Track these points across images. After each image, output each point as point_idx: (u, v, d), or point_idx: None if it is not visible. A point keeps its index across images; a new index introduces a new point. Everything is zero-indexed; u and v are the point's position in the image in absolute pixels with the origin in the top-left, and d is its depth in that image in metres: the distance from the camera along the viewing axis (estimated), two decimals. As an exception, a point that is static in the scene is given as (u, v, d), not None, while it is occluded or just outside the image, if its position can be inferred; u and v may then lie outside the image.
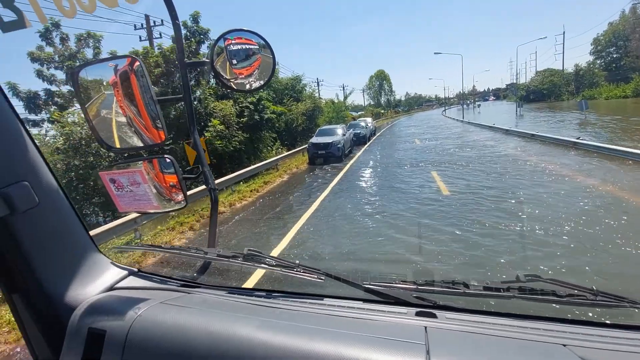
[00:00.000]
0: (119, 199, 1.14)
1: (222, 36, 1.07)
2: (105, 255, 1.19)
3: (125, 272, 1.17)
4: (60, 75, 11.94)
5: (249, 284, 3.89)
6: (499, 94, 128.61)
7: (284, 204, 8.34)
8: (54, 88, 11.82)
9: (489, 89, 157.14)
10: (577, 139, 11.66)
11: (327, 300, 0.99)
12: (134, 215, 5.64)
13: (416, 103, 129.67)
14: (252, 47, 1.08)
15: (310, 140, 15.19)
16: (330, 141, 14.42)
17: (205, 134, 12.03)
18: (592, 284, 0.87)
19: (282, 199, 8.83)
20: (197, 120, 12.85)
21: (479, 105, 67.55)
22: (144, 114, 1.00)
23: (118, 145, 1.06)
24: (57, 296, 0.99)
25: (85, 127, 9.52)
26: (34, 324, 1.01)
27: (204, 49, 14.44)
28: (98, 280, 1.09)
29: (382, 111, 68.04)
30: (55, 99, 11.81)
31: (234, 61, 1.08)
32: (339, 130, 15.85)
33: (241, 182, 11.10)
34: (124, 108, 1.01)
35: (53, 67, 12.34)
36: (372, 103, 76.05)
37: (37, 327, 1.01)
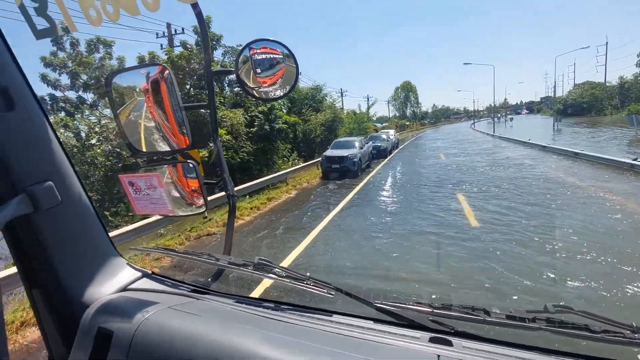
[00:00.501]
0: (137, 201, 1.21)
1: (248, 45, 1.08)
2: (122, 256, 1.22)
3: (139, 274, 1.20)
4: (65, 80, 11.62)
5: (258, 292, 3.88)
6: (532, 108, 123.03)
7: (283, 226, 7.25)
8: (58, 93, 11.49)
9: (521, 102, 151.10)
10: (635, 160, 9.87)
11: (335, 317, 0.95)
12: (156, 217, 5.68)
13: (443, 115, 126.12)
14: (276, 56, 1.09)
15: (324, 153, 14.12)
16: (346, 154, 13.29)
17: (210, 144, 11.24)
18: None
19: (283, 221, 7.74)
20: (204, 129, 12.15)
21: (511, 119, 64.27)
22: (171, 119, 1.03)
23: (145, 149, 1.11)
24: (73, 294, 1.03)
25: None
26: (50, 321, 1.04)
27: (217, 55, 13.82)
28: (113, 280, 1.12)
29: (408, 123, 66.20)
30: (60, 104, 11.45)
31: (258, 70, 1.08)
32: (356, 142, 14.68)
33: (246, 197, 10.16)
34: (153, 114, 1.06)
35: (65, 72, 12.07)
36: (397, 115, 74.39)
37: (53, 323, 1.04)
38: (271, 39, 1.08)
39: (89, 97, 12.15)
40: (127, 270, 1.18)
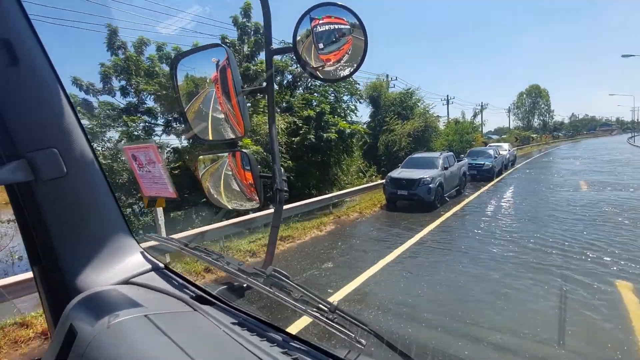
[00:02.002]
0: (142, 179, 1.18)
1: (308, 13, 0.91)
2: (137, 241, 1.15)
3: (148, 267, 1.12)
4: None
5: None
6: None
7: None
8: (91, 98, 10.84)
9: None
10: None
11: None
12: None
13: (586, 127, 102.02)
14: (342, 26, 0.91)
15: (389, 174, 10.32)
16: (419, 177, 9.29)
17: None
18: None
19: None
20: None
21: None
22: (234, 104, 0.97)
23: (207, 137, 1.06)
24: (69, 277, 0.97)
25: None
26: (46, 301, 1.00)
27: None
28: (117, 269, 1.05)
29: (534, 136, 54.25)
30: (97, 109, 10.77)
31: (321, 45, 0.93)
32: (439, 160, 10.38)
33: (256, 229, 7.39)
34: (216, 99, 1.01)
35: (123, 77, 11.51)
36: (520, 125, 62.13)
37: (48, 305, 1.00)
38: (337, 2, 0.89)
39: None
40: (137, 259, 1.11)
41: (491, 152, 15.99)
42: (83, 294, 0.92)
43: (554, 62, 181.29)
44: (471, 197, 10.98)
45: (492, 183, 14.02)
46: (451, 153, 11.56)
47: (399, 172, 10.17)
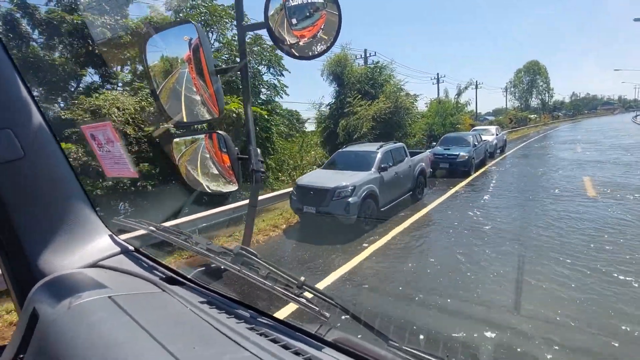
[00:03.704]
0: (103, 159, 1.17)
1: None
2: (105, 224, 1.14)
3: (117, 249, 1.10)
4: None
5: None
6: None
7: None
8: None
9: None
10: None
11: (327, 353, 0.68)
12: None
13: (587, 106, 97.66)
14: (316, 1, 0.90)
15: (297, 181, 6.87)
16: (333, 186, 5.87)
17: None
18: None
19: None
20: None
21: None
22: (209, 85, 0.94)
23: (180, 118, 1.04)
24: (34, 261, 0.95)
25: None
26: (12, 287, 0.98)
27: None
28: (83, 252, 1.03)
29: (532, 116, 50.31)
30: None
31: (294, 20, 0.91)
32: (376, 157, 6.90)
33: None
34: (190, 80, 0.97)
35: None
36: (517, 105, 58.11)
37: (14, 290, 0.97)
38: None
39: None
40: (106, 242, 1.10)
41: (470, 139, 12.51)
42: (47, 278, 0.91)
43: (555, 37, 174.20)
44: (440, 200, 7.58)
45: (468, 180, 10.63)
46: (400, 145, 8.04)
47: (312, 176, 6.76)
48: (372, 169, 6.55)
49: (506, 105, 57.52)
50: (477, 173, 11.90)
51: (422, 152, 9.23)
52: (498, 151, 17.73)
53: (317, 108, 18.63)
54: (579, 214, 6.27)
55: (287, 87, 11.11)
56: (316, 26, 0.88)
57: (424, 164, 8.60)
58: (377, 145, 7.31)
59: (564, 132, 33.17)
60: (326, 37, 0.88)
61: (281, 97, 10.87)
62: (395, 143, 8.02)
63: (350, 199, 5.76)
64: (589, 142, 20.03)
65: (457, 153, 11.49)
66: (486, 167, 13.34)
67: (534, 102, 59.33)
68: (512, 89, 58.26)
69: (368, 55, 24.61)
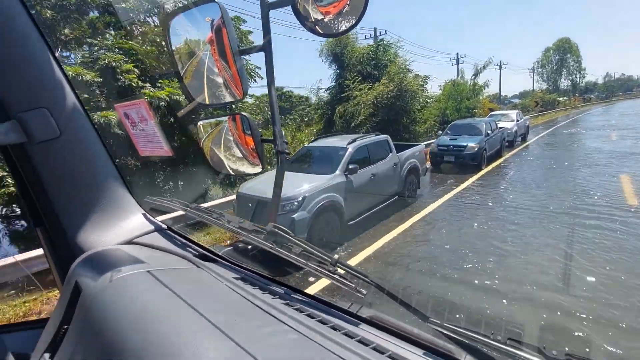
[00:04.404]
0: (137, 138, 1.18)
1: None
2: (139, 205, 1.16)
3: (150, 227, 1.13)
4: None
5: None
6: None
7: None
8: None
9: None
10: None
11: (364, 328, 0.68)
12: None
13: (622, 87, 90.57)
14: None
15: (239, 187, 5.42)
16: (269, 198, 4.42)
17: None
18: None
19: None
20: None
21: None
22: (232, 66, 0.92)
23: (205, 100, 1.03)
24: (73, 237, 0.99)
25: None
26: (53, 262, 1.03)
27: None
28: (119, 229, 1.06)
29: (561, 99, 46.44)
30: None
31: None
32: (345, 152, 5.34)
33: None
34: (213, 61, 0.97)
35: None
36: (545, 87, 53.89)
37: (55, 265, 1.02)
38: None
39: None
40: (139, 220, 1.12)
41: (482, 126, 10.64)
42: (87, 253, 0.94)
43: (587, 11, 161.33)
44: (408, 224, 6.02)
45: (476, 177, 8.91)
46: (381, 138, 6.37)
47: (259, 182, 5.24)
48: (337, 171, 5.05)
49: (533, 86, 53.49)
50: (490, 167, 10.12)
51: (417, 145, 7.56)
52: (519, 139, 15.68)
53: (315, 93, 17.01)
54: (628, 244, 4.57)
55: (259, 68, 9.55)
56: (342, 2, 0.82)
57: (416, 160, 6.99)
58: (348, 139, 5.76)
59: (596, 116, 30.03)
60: (352, 14, 0.82)
61: (255, 82, 9.36)
62: (377, 135, 6.41)
63: (295, 215, 4.31)
64: (625, 128, 17.55)
65: (465, 144, 9.73)
66: (502, 159, 11.49)
67: (564, 83, 54.93)
68: (539, 69, 54.01)
69: (378, 34, 22.51)
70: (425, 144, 8.91)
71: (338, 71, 16.64)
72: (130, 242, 1.05)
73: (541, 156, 11.68)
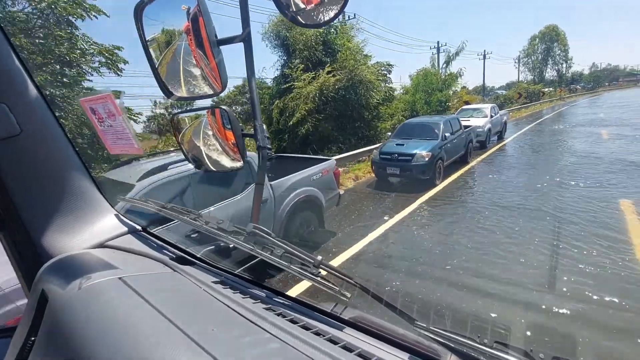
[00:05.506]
0: (105, 135, 1.11)
1: None
2: (110, 203, 1.11)
3: (125, 229, 1.08)
4: None
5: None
6: None
7: None
8: None
9: None
10: None
11: (348, 332, 0.67)
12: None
13: (608, 77, 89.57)
14: None
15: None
16: None
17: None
18: None
19: None
20: None
21: None
22: (210, 58, 0.86)
23: (180, 94, 0.98)
24: (39, 242, 0.93)
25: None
26: (18, 268, 0.96)
27: None
28: (90, 232, 1.01)
29: (546, 90, 44.35)
30: None
31: None
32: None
33: None
34: (189, 53, 0.91)
35: None
36: (531, 78, 51.70)
37: (21, 272, 0.95)
38: None
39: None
40: (111, 222, 1.07)
41: (439, 127, 8.15)
42: (55, 259, 0.89)
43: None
44: None
45: (423, 200, 6.46)
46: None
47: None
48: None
49: (518, 77, 51.26)
50: (447, 181, 7.70)
51: (320, 163, 4.99)
52: (494, 138, 13.33)
53: (259, 85, 14.31)
54: None
55: (121, 53, 6.90)
56: None
57: (313, 189, 4.46)
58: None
59: (583, 108, 27.95)
60: (335, 2, 0.79)
61: (118, 75, 6.71)
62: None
63: None
64: (617, 124, 15.34)
65: (413, 152, 7.26)
66: (467, 167, 9.09)
67: (550, 73, 52.92)
68: (525, 58, 51.85)
69: (347, 18, 19.81)
70: (353, 153, 6.43)
71: (285, 58, 14.00)
72: (101, 245, 1.01)
73: (515, 165, 9.26)
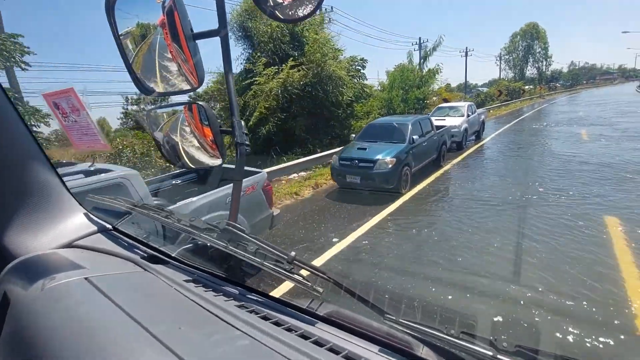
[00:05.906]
0: (70, 131, 1.07)
1: None
2: (79, 202, 1.09)
3: (94, 228, 1.05)
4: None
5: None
6: None
7: None
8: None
9: None
10: None
11: (320, 328, 0.67)
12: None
13: (586, 76, 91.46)
14: None
15: None
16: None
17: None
18: None
19: None
20: None
21: None
22: (186, 52, 0.84)
23: (155, 88, 0.95)
24: (2, 241, 0.90)
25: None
26: None
27: None
28: (57, 231, 0.98)
29: (526, 87, 44.43)
30: None
31: None
32: None
33: None
34: (165, 47, 0.88)
35: None
36: (512, 75, 51.78)
37: None
38: None
39: None
40: (80, 221, 1.04)
41: (406, 129, 7.27)
42: (18, 259, 0.86)
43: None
44: None
45: (389, 212, 5.58)
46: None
47: None
48: None
49: (499, 74, 51.25)
50: (415, 190, 6.85)
51: (259, 174, 4.03)
52: (471, 139, 12.62)
53: (216, 81, 13.15)
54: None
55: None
56: None
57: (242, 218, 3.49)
58: None
59: (562, 106, 27.81)
60: None
61: (22, 69, 5.55)
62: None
63: None
64: (596, 123, 14.91)
65: (375, 158, 6.35)
66: (440, 172, 8.28)
67: (530, 71, 53.20)
68: (506, 56, 51.89)
69: (324, 11, 18.75)
70: (289, 165, 5.48)
71: (250, 51, 12.90)
72: (69, 245, 0.97)
73: (491, 171, 8.47)
